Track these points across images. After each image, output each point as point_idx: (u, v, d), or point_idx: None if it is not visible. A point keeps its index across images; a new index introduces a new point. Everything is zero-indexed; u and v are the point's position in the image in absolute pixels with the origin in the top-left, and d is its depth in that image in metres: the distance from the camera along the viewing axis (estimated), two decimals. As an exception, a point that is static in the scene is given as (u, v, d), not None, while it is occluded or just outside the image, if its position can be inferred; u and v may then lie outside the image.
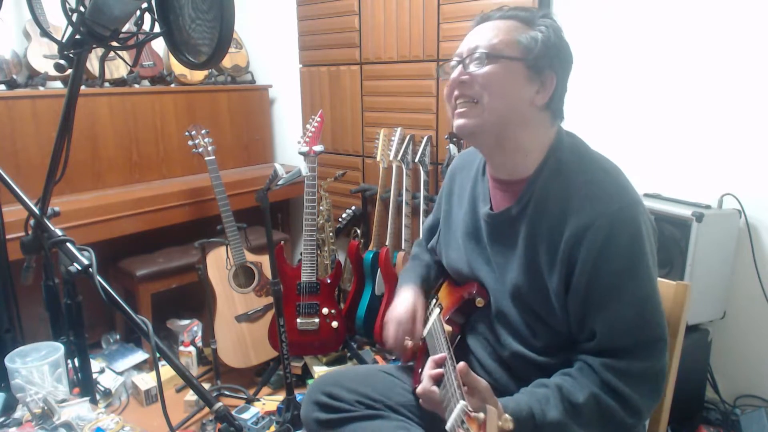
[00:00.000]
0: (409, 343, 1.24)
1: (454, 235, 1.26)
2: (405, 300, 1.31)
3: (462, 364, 0.92)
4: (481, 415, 0.80)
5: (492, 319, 1.15)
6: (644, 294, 1.00)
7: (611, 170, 1.06)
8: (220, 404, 1.09)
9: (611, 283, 0.98)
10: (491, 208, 1.15)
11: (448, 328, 1.18)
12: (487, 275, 1.16)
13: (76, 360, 1.52)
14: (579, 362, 1.03)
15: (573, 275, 1.00)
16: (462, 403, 0.84)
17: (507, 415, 0.83)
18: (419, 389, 1.04)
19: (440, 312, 1.23)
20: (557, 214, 1.02)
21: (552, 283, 1.02)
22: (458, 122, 1.08)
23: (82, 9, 1.09)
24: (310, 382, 2.44)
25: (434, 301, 1.33)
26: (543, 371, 1.05)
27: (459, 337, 1.21)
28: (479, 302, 1.15)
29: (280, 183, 1.90)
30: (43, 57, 2.46)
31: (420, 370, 1.22)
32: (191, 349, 2.55)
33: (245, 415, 2.06)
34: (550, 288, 1.03)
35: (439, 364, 1.02)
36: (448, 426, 0.86)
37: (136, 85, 2.77)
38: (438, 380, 1.00)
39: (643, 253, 0.99)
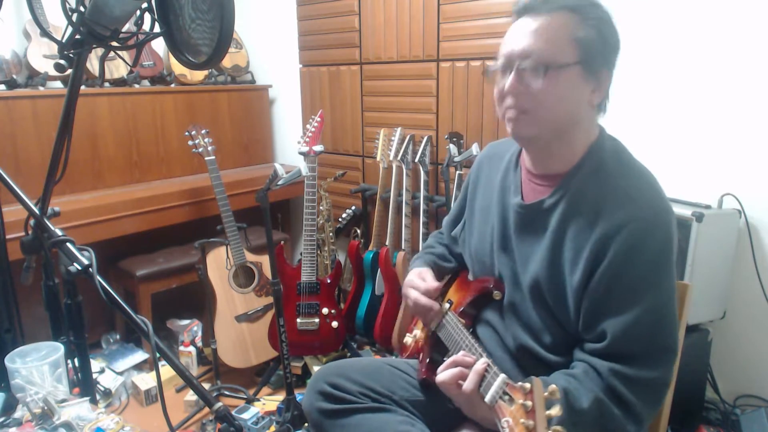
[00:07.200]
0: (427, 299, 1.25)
1: (479, 224, 1.25)
2: (414, 271, 1.34)
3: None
4: (527, 384, 0.80)
5: (504, 311, 1.15)
6: (664, 302, 0.99)
7: (649, 177, 1.06)
8: (220, 404, 1.08)
9: (634, 287, 0.97)
10: (522, 199, 1.14)
11: (461, 320, 1.18)
12: (506, 265, 1.15)
13: (76, 360, 1.52)
14: (584, 364, 1.01)
15: (595, 273, 0.99)
16: (502, 376, 0.88)
17: (554, 386, 0.78)
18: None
19: (449, 307, 1.24)
20: (590, 212, 1.02)
21: (572, 280, 1.02)
22: (512, 129, 1.06)
23: (82, 9, 1.10)
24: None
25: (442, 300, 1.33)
26: (551, 369, 1.05)
27: (471, 329, 1.21)
28: (496, 295, 1.16)
29: (280, 183, 1.91)
30: (43, 57, 2.46)
31: (427, 360, 1.23)
32: (191, 349, 2.55)
33: (245, 415, 2.06)
34: (568, 285, 1.03)
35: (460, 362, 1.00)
36: (488, 398, 0.88)
37: (136, 85, 2.76)
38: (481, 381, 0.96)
39: (670, 263, 0.99)
